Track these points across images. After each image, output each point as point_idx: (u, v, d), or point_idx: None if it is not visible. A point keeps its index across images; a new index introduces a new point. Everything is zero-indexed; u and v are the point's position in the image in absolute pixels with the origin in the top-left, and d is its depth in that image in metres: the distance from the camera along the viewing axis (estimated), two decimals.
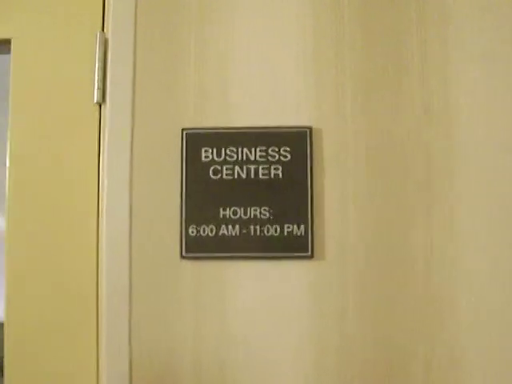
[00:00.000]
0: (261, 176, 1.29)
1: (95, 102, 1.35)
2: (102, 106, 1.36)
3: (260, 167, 1.29)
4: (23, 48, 1.41)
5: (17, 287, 1.35)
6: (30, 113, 1.38)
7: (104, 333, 1.29)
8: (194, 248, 1.28)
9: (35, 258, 1.34)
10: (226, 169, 1.29)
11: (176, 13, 1.34)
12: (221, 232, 1.28)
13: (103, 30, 1.37)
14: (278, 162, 1.29)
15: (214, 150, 1.29)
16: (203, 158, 1.29)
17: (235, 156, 1.29)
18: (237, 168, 1.29)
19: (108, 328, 1.29)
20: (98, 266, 1.33)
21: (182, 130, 1.30)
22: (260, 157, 1.29)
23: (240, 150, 1.29)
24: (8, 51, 1.44)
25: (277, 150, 1.29)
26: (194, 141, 1.29)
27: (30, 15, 1.41)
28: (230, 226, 1.28)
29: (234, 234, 1.28)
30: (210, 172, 1.29)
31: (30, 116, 1.38)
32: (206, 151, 1.29)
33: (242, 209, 1.28)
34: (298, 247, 1.27)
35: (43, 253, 1.34)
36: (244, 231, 1.28)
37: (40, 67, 1.39)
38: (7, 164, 1.37)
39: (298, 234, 1.27)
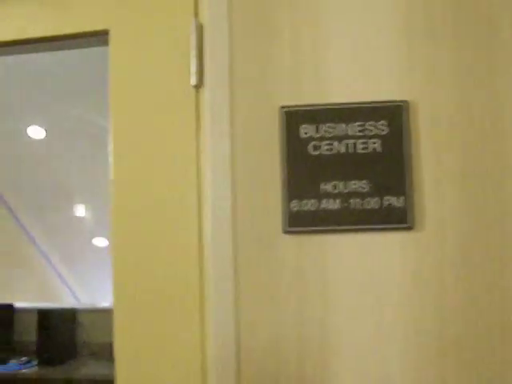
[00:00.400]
0: (359, 150, 1.31)
1: (192, 85, 1.38)
2: (199, 89, 1.39)
3: (358, 141, 1.32)
4: (121, 38, 1.45)
5: (124, 273, 1.39)
6: (129, 100, 1.43)
7: (211, 307, 1.33)
8: (296, 222, 1.31)
9: (140, 241, 1.39)
10: (325, 144, 1.32)
11: None
12: (322, 206, 1.31)
13: (196, 16, 1.41)
14: (376, 136, 1.31)
15: (313, 127, 1.32)
16: (302, 135, 1.32)
17: (333, 132, 1.32)
18: (335, 143, 1.32)
19: (215, 302, 1.33)
20: (201, 246, 1.36)
21: (280, 108, 1.33)
22: (358, 131, 1.32)
23: (338, 125, 1.32)
24: (103, 43, 1.49)
25: (374, 124, 1.32)
26: (292, 118, 1.33)
27: (125, 5, 1.45)
28: (330, 200, 1.31)
29: (334, 207, 1.31)
30: (310, 148, 1.32)
31: (130, 103, 1.43)
32: (304, 128, 1.32)
33: (342, 183, 1.31)
34: (398, 219, 1.30)
35: (147, 234, 1.39)
36: (344, 204, 1.30)
37: (137, 56, 1.44)
38: (111, 147, 1.42)
39: (398, 205, 1.30)
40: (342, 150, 1.31)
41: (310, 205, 1.30)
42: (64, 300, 5.50)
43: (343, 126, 1.32)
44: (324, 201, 1.30)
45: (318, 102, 1.33)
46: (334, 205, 1.30)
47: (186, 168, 1.38)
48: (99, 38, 1.48)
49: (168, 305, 1.37)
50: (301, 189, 1.31)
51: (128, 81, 1.43)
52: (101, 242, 5.28)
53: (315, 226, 1.30)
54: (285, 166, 1.32)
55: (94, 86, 3.91)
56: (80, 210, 5.28)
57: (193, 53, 1.38)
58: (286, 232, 1.31)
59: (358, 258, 1.30)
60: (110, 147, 1.43)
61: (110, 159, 1.42)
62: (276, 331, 1.31)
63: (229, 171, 1.33)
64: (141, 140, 1.41)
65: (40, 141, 4.69)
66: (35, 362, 3.82)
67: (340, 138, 1.31)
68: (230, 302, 1.31)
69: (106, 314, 4.08)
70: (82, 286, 5.60)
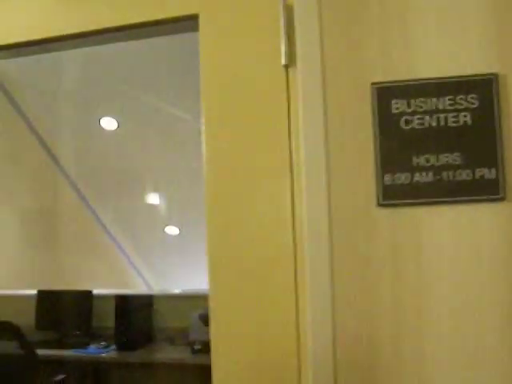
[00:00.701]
0: (450, 124, 1.34)
1: (283, 64, 1.43)
2: (290, 69, 1.44)
3: (449, 115, 1.34)
4: (210, 21, 1.51)
5: (218, 258, 1.46)
6: (220, 83, 1.49)
7: (307, 283, 1.37)
8: (390, 196, 1.34)
9: (234, 224, 1.45)
10: (417, 119, 1.35)
11: None
12: (414, 179, 1.34)
13: None
14: (466, 109, 1.34)
15: (404, 102, 1.35)
16: (394, 110, 1.36)
17: (424, 106, 1.35)
18: (427, 117, 1.35)
19: (310, 278, 1.37)
20: (295, 223, 1.41)
21: (372, 84, 1.37)
22: (448, 105, 1.34)
23: (429, 100, 1.35)
24: (192, 28, 1.54)
25: (464, 98, 1.34)
26: (384, 94, 1.36)
27: None
28: (423, 173, 1.34)
29: (427, 180, 1.34)
30: (401, 123, 1.35)
31: (221, 86, 1.48)
32: (395, 103, 1.36)
33: (434, 156, 1.33)
34: (490, 190, 1.32)
35: (241, 216, 1.45)
36: (437, 177, 1.33)
37: (227, 38, 1.49)
38: (203, 127, 1.48)
39: (490, 177, 1.32)
40: (434, 123, 1.34)
41: (403, 178, 1.34)
42: (136, 287, 5.64)
43: (434, 100, 1.34)
44: (417, 174, 1.33)
45: (409, 77, 1.36)
46: (426, 178, 1.33)
47: (278, 146, 1.43)
48: (189, 22, 1.53)
49: (262, 286, 1.41)
50: (394, 163, 1.34)
51: (218, 63, 1.48)
52: (173, 230, 5.39)
53: (408, 199, 1.34)
54: (377, 141, 1.35)
55: (166, 75, 4.00)
56: (153, 199, 5.40)
57: (282, 33, 1.42)
58: (380, 205, 1.34)
59: (451, 230, 1.33)
60: (202, 128, 1.48)
61: (203, 139, 1.47)
62: (370, 305, 1.34)
63: (322, 147, 1.37)
64: (232, 121, 1.46)
65: (112, 131, 4.81)
66: (113, 347, 3.94)
67: (431, 112, 1.34)
68: (326, 279, 1.35)
69: (180, 300, 4.19)
70: (153, 274, 5.72)
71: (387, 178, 1.34)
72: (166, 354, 4.00)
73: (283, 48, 1.43)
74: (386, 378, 1.32)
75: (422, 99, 1.35)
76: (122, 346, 3.91)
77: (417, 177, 1.33)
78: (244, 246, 1.44)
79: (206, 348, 3.76)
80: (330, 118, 1.38)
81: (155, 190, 5.32)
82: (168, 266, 5.43)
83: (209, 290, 1.48)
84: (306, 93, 1.39)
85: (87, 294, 4.28)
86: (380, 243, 1.34)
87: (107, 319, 4.21)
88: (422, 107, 1.34)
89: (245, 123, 1.46)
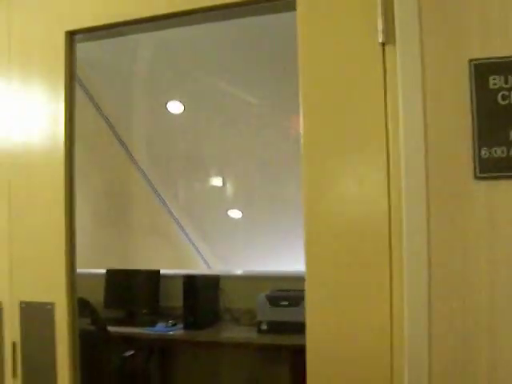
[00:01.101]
0: None
1: (379, 42, 1.47)
2: (386, 46, 1.48)
3: None
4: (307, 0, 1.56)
5: (316, 238, 1.52)
6: (317, 61, 1.54)
7: (404, 260, 1.42)
8: (487, 169, 1.38)
9: (331, 203, 1.50)
10: None
11: None
12: (511, 153, 1.37)
13: None
14: None
15: (501, 78, 1.38)
16: (491, 86, 1.39)
17: None
18: None
19: (407, 253, 1.42)
20: (391, 200, 1.45)
21: (469, 61, 1.40)
22: None
23: None
24: (290, 8, 1.59)
25: None
26: (482, 70, 1.39)
27: None
28: None
29: None
30: (499, 98, 1.38)
31: (318, 64, 1.53)
32: (493, 79, 1.39)
33: None
34: None
35: (337, 195, 1.50)
36: None
37: (324, 16, 1.54)
38: (301, 103, 1.53)
39: None
40: None
41: (499, 152, 1.37)
42: (198, 269, 5.75)
43: None
44: None
45: (507, 53, 1.38)
46: None
47: (374, 122, 1.47)
48: (286, 2, 1.59)
49: (358, 266, 1.47)
50: (490, 137, 1.37)
51: (315, 41, 1.53)
52: (236, 213, 5.47)
53: (504, 172, 1.37)
54: (474, 116, 1.38)
55: (234, 60, 4.07)
56: (217, 183, 5.49)
57: (379, 11, 1.46)
58: (477, 178, 1.38)
59: None
60: (300, 102, 1.53)
61: (301, 114, 1.53)
62: (467, 276, 1.38)
63: (421, 122, 1.41)
64: (329, 98, 1.51)
65: (178, 115, 4.91)
66: (181, 326, 4.04)
67: None
68: (423, 253, 1.39)
69: (245, 281, 4.27)
70: (214, 256, 5.83)
71: (484, 152, 1.37)
72: (233, 333, 4.08)
73: (380, 26, 1.47)
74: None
75: None
76: (190, 325, 3.99)
77: None
78: (340, 223, 1.49)
79: (271, 328, 3.85)
80: (428, 93, 1.42)
81: (219, 174, 5.40)
82: (230, 248, 5.53)
83: (305, 268, 1.53)
84: (404, 70, 1.43)
85: (155, 274, 4.38)
86: (476, 215, 1.38)
87: (173, 299, 4.31)
88: None
89: (341, 100, 1.51)
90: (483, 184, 1.38)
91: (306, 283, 1.51)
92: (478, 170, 1.38)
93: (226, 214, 5.47)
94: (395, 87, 1.46)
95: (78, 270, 4.32)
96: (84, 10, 1.75)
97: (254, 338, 3.94)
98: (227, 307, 4.30)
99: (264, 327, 3.92)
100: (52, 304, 1.67)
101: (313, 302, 1.51)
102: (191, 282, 4.04)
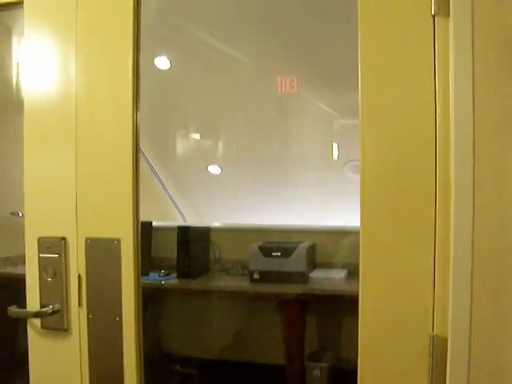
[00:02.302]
0: None
1: (432, 14, 1.62)
2: (437, 17, 1.62)
3: None
4: None
5: (371, 192, 1.65)
6: (374, 31, 1.66)
7: (452, 199, 1.56)
8: None
9: (387, 158, 1.63)
10: None
11: None
12: None
13: None
14: None
15: None
16: None
17: None
18: None
19: (455, 197, 1.56)
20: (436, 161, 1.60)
21: None
22: None
23: None
24: None
25: None
26: None
27: None
28: None
29: None
30: None
31: (375, 34, 1.66)
32: None
33: None
34: None
35: (392, 157, 1.63)
36: None
37: None
38: (360, 74, 1.68)
39: None
40: None
41: None
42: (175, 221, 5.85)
43: None
44: None
45: None
46: None
47: (423, 95, 1.61)
48: None
49: (406, 215, 1.61)
50: None
51: (372, 13, 1.66)
52: (215, 169, 5.60)
53: None
54: None
55: (224, 15, 4.14)
56: (197, 137, 5.58)
57: None
58: None
59: None
60: (360, 69, 1.66)
61: (359, 81, 1.66)
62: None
63: (470, 93, 1.55)
64: (381, 69, 1.64)
65: (165, 71, 4.97)
66: (173, 275, 4.22)
67: None
68: (469, 200, 1.54)
69: (233, 233, 4.46)
70: (192, 210, 5.94)
71: None
72: (225, 282, 4.29)
73: None
74: None
75: None
76: (183, 274, 4.17)
77: None
78: (392, 177, 1.63)
79: (263, 277, 4.07)
80: (478, 65, 1.55)
81: (200, 130, 5.48)
82: (208, 203, 5.65)
83: (360, 218, 1.66)
84: (456, 41, 1.56)
85: (148, 225, 4.52)
86: None
87: (163, 250, 4.47)
88: None
89: (391, 71, 1.63)
90: None
91: (361, 226, 1.66)
92: None
93: (206, 170, 5.58)
94: (446, 59, 1.58)
95: None
96: None
97: (246, 286, 4.16)
98: (217, 258, 4.50)
99: (256, 276, 4.14)
100: (118, 240, 1.79)
101: (367, 250, 1.66)
102: (185, 233, 4.21)
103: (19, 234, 4.90)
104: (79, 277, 1.85)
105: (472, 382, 1.53)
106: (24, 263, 4.87)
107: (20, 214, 4.72)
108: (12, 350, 3.76)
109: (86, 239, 1.83)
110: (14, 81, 4.83)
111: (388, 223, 1.62)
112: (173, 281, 4.17)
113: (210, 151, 5.74)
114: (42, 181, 1.90)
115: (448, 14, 1.59)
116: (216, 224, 4.74)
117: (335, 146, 5.10)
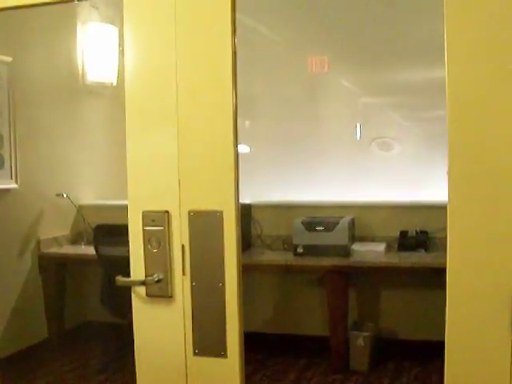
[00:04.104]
0: None
1: None
2: None
3: None
4: None
5: (460, 166, 1.64)
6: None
7: None
8: None
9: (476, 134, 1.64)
10: None
11: None
12: None
13: None
14: None
15: None
16: None
17: None
18: None
19: None
20: None
21: None
22: None
23: None
24: None
25: None
26: None
27: None
28: None
29: None
30: None
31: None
32: None
33: None
34: None
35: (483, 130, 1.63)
36: None
37: None
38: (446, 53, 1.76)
39: None
40: None
41: None
42: None
43: None
44: None
45: None
46: None
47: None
48: None
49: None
50: None
51: None
52: (243, 148, 5.69)
53: None
54: None
55: None
56: None
57: None
58: None
59: None
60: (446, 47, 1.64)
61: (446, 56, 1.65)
62: None
63: None
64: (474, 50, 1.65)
65: None
66: None
67: None
68: None
69: (274, 209, 4.58)
70: None
71: None
72: (270, 256, 4.44)
73: None
74: None
75: None
76: None
77: None
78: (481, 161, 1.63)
79: (307, 251, 4.21)
80: None
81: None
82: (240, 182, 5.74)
83: (448, 199, 1.65)
84: None
85: None
86: None
87: None
88: None
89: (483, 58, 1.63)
90: None
91: (449, 208, 1.66)
92: None
93: None
94: None
95: (113, 202, 4.50)
96: None
97: (290, 260, 4.30)
98: (258, 234, 4.63)
99: (300, 250, 4.28)
100: (220, 212, 1.89)
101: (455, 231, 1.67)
102: None
103: (65, 214, 5.06)
104: (183, 247, 1.94)
105: None
106: (69, 243, 5.03)
107: (64, 195, 4.87)
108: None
109: (189, 212, 1.92)
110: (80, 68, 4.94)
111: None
112: None
113: (239, 130, 5.81)
114: (144, 158, 1.98)
115: None
116: (254, 201, 4.84)
117: (361, 124, 5.20)
